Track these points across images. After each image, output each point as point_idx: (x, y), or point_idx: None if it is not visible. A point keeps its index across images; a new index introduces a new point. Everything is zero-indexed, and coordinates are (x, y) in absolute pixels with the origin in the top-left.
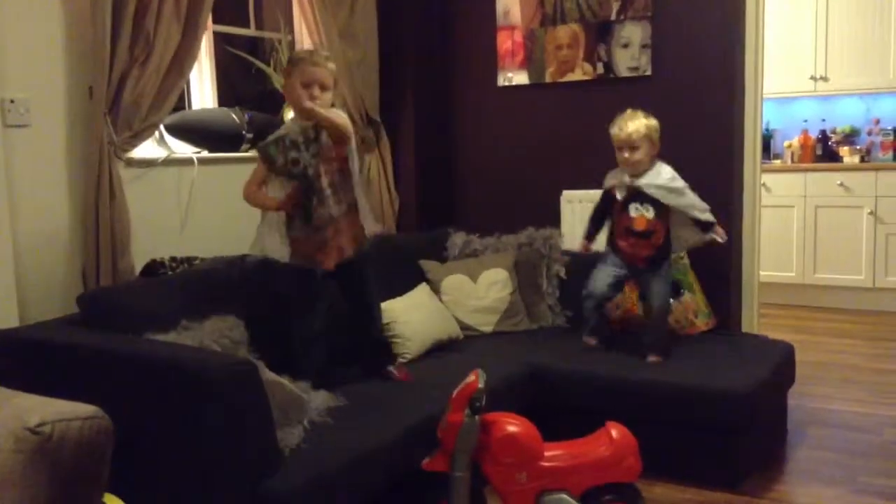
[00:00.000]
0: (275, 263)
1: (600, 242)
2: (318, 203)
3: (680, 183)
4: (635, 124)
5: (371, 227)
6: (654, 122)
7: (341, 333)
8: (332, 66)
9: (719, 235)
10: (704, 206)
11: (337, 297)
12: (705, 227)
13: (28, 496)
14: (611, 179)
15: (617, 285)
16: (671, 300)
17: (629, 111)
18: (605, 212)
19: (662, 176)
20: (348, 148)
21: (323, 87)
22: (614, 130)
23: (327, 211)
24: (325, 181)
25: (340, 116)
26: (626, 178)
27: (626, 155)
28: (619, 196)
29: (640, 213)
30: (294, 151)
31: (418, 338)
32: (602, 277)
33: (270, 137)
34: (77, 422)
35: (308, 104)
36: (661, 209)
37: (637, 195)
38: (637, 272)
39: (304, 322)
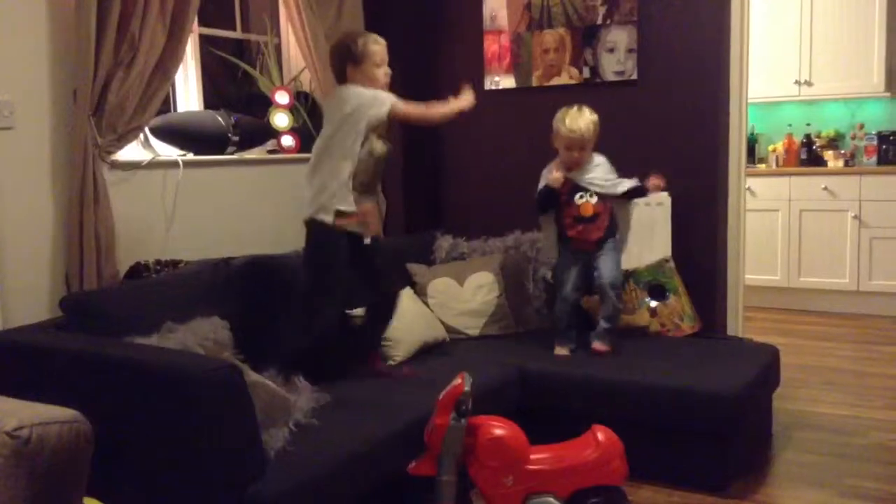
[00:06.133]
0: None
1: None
2: (376, 176)
3: (613, 175)
4: (585, 123)
5: None
6: (596, 117)
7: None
8: (383, 41)
9: (653, 187)
10: (629, 181)
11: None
12: (638, 191)
13: (6, 500)
14: (549, 175)
15: (580, 278)
16: (623, 280)
17: (575, 108)
18: (549, 206)
19: (600, 167)
20: None
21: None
22: (563, 130)
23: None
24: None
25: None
26: (565, 174)
27: (576, 155)
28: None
29: (586, 201)
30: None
31: (405, 341)
32: (568, 277)
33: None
34: (55, 426)
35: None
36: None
37: (578, 185)
38: (588, 257)
39: (323, 315)
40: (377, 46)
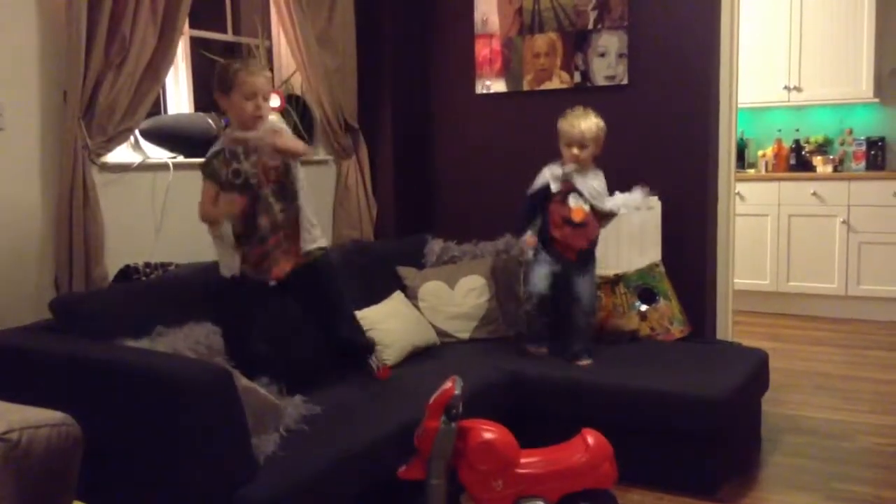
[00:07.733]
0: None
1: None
2: (261, 211)
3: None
4: (588, 123)
5: (306, 243)
6: (603, 123)
7: (302, 341)
8: (268, 73)
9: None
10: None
11: (289, 306)
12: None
13: None
14: (550, 174)
15: (554, 283)
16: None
17: (581, 109)
18: (538, 206)
19: (598, 181)
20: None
21: (265, 97)
22: (565, 127)
23: (272, 219)
24: (267, 189)
25: (296, 141)
26: (566, 171)
27: (576, 152)
28: (554, 188)
29: (580, 205)
30: (235, 162)
31: (397, 345)
32: (539, 275)
33: (210, 153)
34: (45, 429)
35: (277, 141)
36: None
37: (575, 188)
38: (568, 266)
39: (246, 345)
40: (251, 78)
